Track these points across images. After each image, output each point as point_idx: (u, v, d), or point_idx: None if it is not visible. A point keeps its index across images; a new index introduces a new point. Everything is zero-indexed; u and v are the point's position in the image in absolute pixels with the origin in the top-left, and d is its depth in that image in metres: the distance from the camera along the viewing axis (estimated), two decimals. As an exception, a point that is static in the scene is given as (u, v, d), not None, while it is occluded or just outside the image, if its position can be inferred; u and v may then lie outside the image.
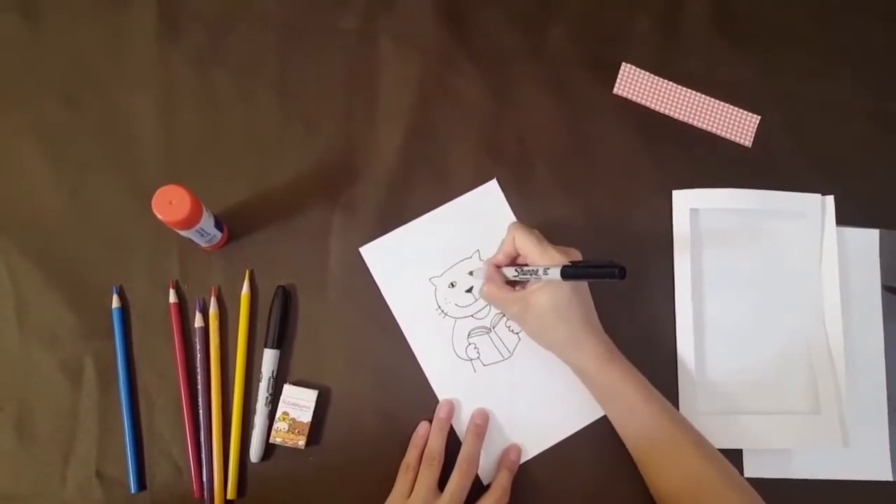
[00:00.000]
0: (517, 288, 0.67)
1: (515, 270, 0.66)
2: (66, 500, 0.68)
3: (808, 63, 0.81)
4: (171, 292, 0.71)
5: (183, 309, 0.71)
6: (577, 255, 0.65)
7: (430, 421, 0.70)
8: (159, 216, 0.61)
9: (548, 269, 0.62)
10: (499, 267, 0.68)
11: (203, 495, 0.68)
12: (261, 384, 0.69)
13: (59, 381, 0.70)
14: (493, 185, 0.75)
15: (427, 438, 0.69)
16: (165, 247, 0.72)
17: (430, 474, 0.66)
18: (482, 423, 0.70)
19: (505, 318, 0.73)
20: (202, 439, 0.69)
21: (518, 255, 0.67)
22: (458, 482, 0.65)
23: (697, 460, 0.64)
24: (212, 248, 0.72)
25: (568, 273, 0.60)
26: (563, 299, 0.64)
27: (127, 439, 0.69)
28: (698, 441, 0.66)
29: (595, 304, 0.69)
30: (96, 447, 0.69)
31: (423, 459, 0.67)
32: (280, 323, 0.71)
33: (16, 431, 0.69)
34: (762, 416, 0.72)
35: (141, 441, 0.69)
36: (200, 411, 0.70)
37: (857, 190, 0.77)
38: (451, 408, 0.70)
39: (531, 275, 0.64)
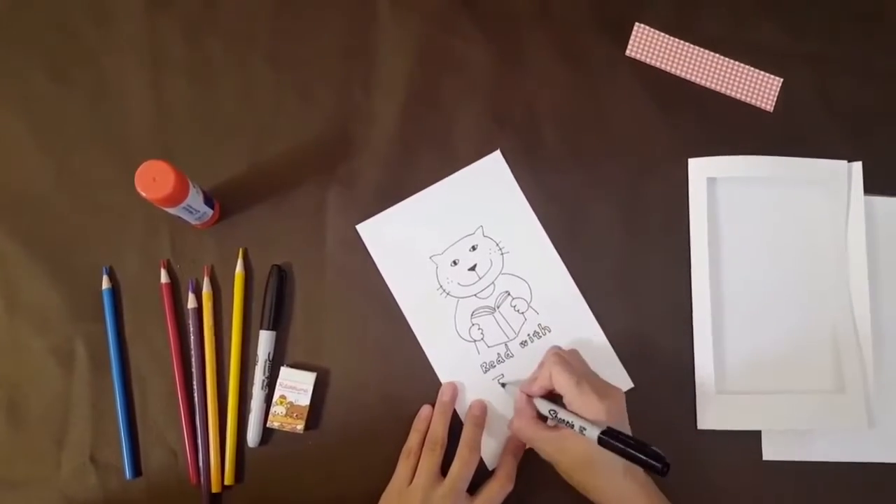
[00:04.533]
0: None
1: (550, 412, 0.61)
2: (61, 486, 0.67)
3: (833, 23, 0.75)
4: (163, 272, 0.68)
5: (175, 289, 0.69)
6: (617, 402, 0.61)
7: (433, 404, 0.68)
8: (143, 193, 0.58)
9: (584, 427, 0.57)
10: (531, 397, 0.64)
11: (200, 481, 0.66)
12: (257, 367, 0.67)
13: (50, 366, 0.68)
14: (496, 156, 0.72)
15: (429, 422, 0.66)
16: (155, 225, 0.69)
17: (432, 460, 0.64)
18: (480, 413, 0.67)
19: (510, 298, 0.70)
20: (198, 424, 0.67)
21: (554, 388, 0.62)
22: (459, 469, 0.63)
23: None
24: (203, 226, 0.69)
25: (605, 443, 0.56)
26: (601, 452, 0.58)
27: (121, 425, 0.67)
28: None
29: (602, 281, 0.65)
30: (90, 432, 0.67)
31: (426, 444, 0.65)
32: (276, 303, 0.68)
33: (8, 417, 0.67)
34: (783, 396, 0.69)
35: (135, 426, 0.67)
36: (195, 395, 0.67)
37: (887, 157, 0.73)
38: (455, 391, 0.68)
39: (566, 425, 0.59)
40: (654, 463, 0.53)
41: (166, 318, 0.68)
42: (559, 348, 0.67)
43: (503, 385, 0.69)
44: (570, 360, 0.63)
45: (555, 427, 0.62)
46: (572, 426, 0.59)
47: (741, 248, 0.71)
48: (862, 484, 0.69)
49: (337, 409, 0.68)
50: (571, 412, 0.60)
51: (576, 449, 0.60)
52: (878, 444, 0.69)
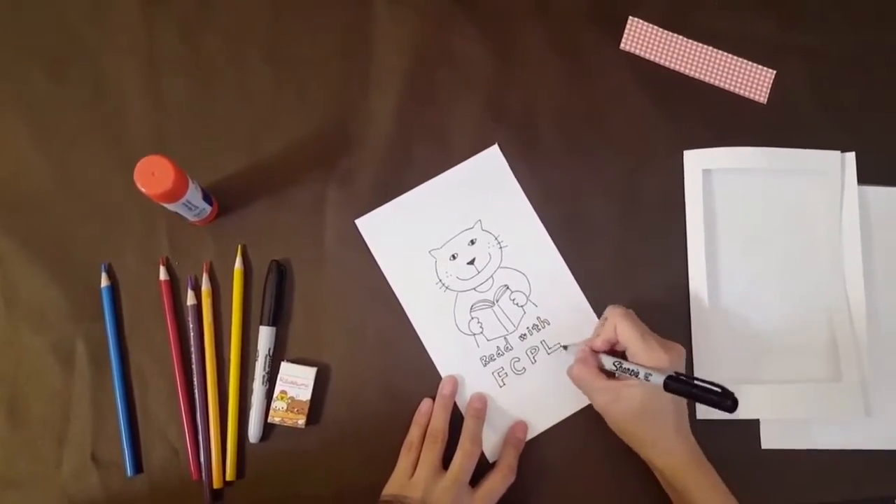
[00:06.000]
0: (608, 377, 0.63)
1: (614, 364, 0.62)
2: (63, 485, 0.66)
3: (825, 15, 0.76)
4: (162, 269, 0.68)
5: (174, 286, 0.69)
6: (680, 355, 0.62)
7: (433, 398, 0.68)
8: (142, 189, 0.58)
9: (650, 374, 0.58)
10: (596, 351, 0.64)
11: (201, 477, 0.66)
12: (257, 362, 0.67)
13: (50, 364, 0.68)
14: (494, 150, 0.72)
15: (430, 416, 0.67)
16: (154, 223, 0.70)
17: (433, 453, 0.64)
18: (481, 406, 0.67)
19: (509, 292, 0.70)
20: (199, 420, 0.67)
21: (617, 342, 0.63)
22: (461, 462, 0.63)
23: None
24: (202, 223, 0.69)
25: (672, 387, 0.57)
26: (657, 402, 0.60)
27: (121, 422, 0.67)
28: None
29: (600, 273, 0.65)
30: (91, 430, 0.67)
31: (427, 437, 0.65)
32: (275, 299, 0.68)
33: (8, 415, 0.67)
34: (780, 385, 0.69)
35: (136, 423, 0.67)
36: (196, 391, 0.67)
37: (880, 147, 0.73)
38: (455, 384, 0.68)
39: (630, 374, 0.60)
40: (722, 400, 0.54)
41: (165, 315, 0.68)
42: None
43: (565, 347, 0.69)
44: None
45: (613, 378, 0.63)
46: (637, 374, 0.59)
47: (737, 239, 0.72)
48: (859, 471, 0.70)
49: (338, 403, 0.68)
50: (636, 363, 0.60)
51: (632, 399, 0.60)
52: (875, 431, 0.70)
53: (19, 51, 0.72)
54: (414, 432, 0.66)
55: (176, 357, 0.68)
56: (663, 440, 0.61)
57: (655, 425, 0.61)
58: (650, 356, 0.60)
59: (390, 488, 0.64)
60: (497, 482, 0.64)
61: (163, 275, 0.68)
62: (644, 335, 0.61)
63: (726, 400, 0.54)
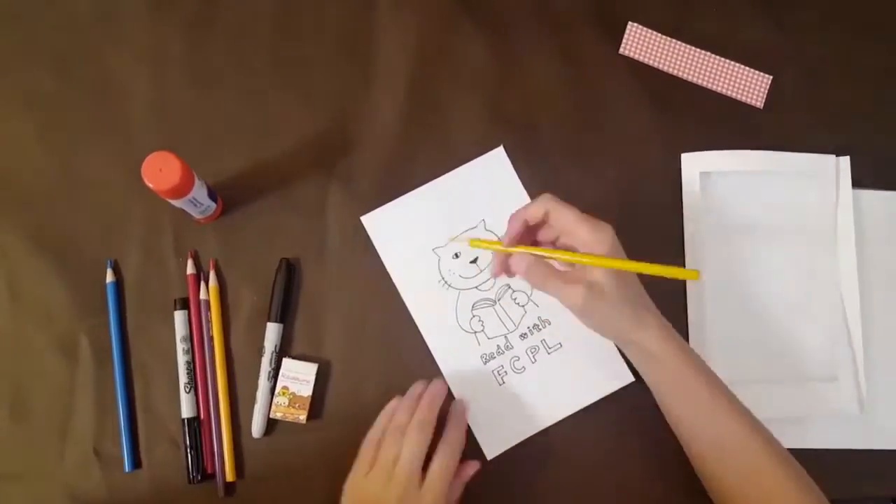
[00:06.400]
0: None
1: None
2: (65, 479, 0.67)
3: (823, 22, 0.77)
4: (190, 262, 0.69)
5: (180, 282, 0.69)
6: (610, 228, 0.60)
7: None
8: (149, 184, 0.59)
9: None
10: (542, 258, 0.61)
11: (214, 471, 0.67)
12: (263, 358, 0.68)
13: (53, 359, 0.68)
14: (499, 151, 0.73)
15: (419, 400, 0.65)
16: (159, 219, 0.70)
17: (393, 447, 0.61)
18: (434, 394, 0.66)
19: (511, 291, 0.71)
20: (211, 415, 0.68)
21: (533, 226, 0.62)
22: (407, 452, 0.61)
23: (765, 457, 0.60)
24: (206, 221, 0.70)
25: None
26: (626, 276, 0.59)
27: (121, 417, 0.67)
28: (767, 437, 0.62)
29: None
30: (93, 425, 0.67)
31: (388, 432, 0.63)
32: (283, 296, 0.69)
33: (11, 410, 0.68)
34: (776, 385, 0.70)
35: (135, 419, 0.68)
36: (209, 386, 0.68)
37: (875, 152, 0.74)
38: (425, 388, 0.67)
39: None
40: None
41: (190, 308, 0.69)
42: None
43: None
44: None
45: (567, 271, 0.62)
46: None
47: (733, 240, 0.73)
48: (857, 470, 0.70)
49: (339, 399, 0.69)
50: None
51: (604, 282, 0.58)
52: (869, 430, 0.71)
53: (26, 50, 0.73)
54: (374, 430, 0.64)
55: (198, 351, 0.68)
56: (637, 316, 0.60)
57: (630, 303, 0.60)
58: (593, 231, 0.58)
59: (349, 488, 0.63)
60: (441, 461, 0.61)
61: (190, 268, 0.69)
62: (583, 215, 0.59)
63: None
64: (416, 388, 0.67)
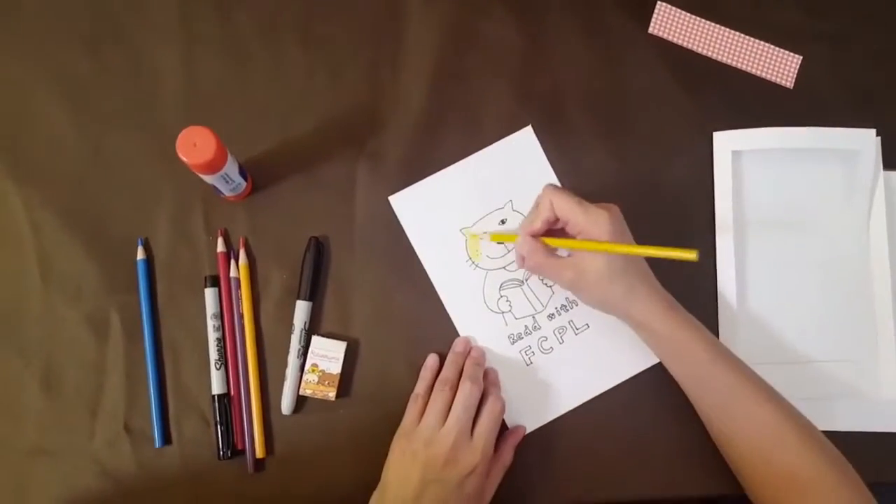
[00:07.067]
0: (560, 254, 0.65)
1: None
2: (95, 454, 0.67)
3: (851, 2, 0.77)
4: (220, 241, 0.69)
5: (210, 260, 0.70)
6: (617, 212, 0.63)
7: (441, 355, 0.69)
8: (184, 158, 0.59)
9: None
10: (536, 236, 0.65)
11: (244, 447, 0.67)
12: (293, 336, 0.68)
13: (84, 336, 0.69)
14: (527, 132, 0.73)
15: (436, 372, 0.67)
16: (189, 198, 0.71)
17: (440, 401, 0.64)
18: (479, 354, 0.69)
19: (538, 271, 0.71)
20: (242, 391, 0.68)
21: (557, 221, 0.64)
22: (462, 401, 0.63)
23: (772, 414, 0.61)
24: (236, 199, 0.70)
25: None
26: (618, 260, 0.61)
27: (151, 393, 0.68)
28: (770, 393, 0.63)
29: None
30: (124, 401, 0.68)
31: (436, 385, 0.65)
32: (313, 275, 0.69)
33: (42, 386, 0.68)
34: (804, 365, 0.70)
35: (166, 395, 0.68)
36: (239, 362, 0.68)
37: (905, 133, 0.74)
38: (468, 343, 0.69)
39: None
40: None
41: (220, 286, 0.69)
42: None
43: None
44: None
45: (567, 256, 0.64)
46: None
47: (765, 220, 0.72)
48: (881, 454, 0.70)
49: (367, 377, 0.69)
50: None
51: (594, 265, 0.61)
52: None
53: (56, 30, 0.73)
54: (420, 385, 0.67)
55: (228, 328, 0.69)
56: (632, 290, 0.62)
57: (623, 280, 0.62)
58: (592, 219, 0.60)
59: (398, 438, 0.64)
60: (489, 415, 0.64)
61: (220, 246, 0.69)
62: (580, 201, 0.61)
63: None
64: (459, 344, 0.69)
